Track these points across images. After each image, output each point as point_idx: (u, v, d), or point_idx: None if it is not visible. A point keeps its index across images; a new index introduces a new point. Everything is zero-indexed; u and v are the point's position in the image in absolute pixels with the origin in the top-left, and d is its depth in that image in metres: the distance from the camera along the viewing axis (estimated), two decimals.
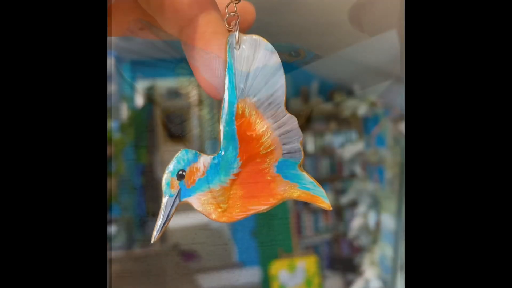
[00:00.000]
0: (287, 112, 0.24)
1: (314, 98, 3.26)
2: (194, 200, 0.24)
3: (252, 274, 3.65)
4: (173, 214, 0.24)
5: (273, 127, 0.24)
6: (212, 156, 0.24)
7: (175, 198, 0.24)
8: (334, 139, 3.36)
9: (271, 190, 0.24)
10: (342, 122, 3.32)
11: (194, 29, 0.23)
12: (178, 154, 0.24)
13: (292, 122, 0.24)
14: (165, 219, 0.24)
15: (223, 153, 0.24)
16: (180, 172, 0.24)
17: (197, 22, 0.23)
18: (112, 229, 3.02)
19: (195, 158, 0.24)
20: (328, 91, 3.33)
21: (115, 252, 2.81)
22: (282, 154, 0.24)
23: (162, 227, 0.24)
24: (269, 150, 0.24)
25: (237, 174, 0.24)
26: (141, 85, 4.63)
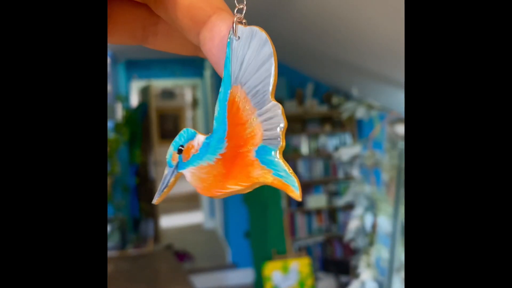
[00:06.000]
0: (273, 100, 0.24)
1: (309, 100, 3.27)
2: (187, 172, 0.26)
3: (245, 275, 3.65)
4: (173, 182, 0.27)
5: (258, 113, 0.24)
6: (205, 136, 0.26)
7: (174, 169, 0.26)
8: (328, 141, 3.37)
9: (248, 173, 0.24)
10: (337, 125, 3.33)
11: (209, 29, 0.24)
12: (181, 131, 0.26)
13: (275, 109, 0.24)
14: (164, 185, 0.26)
15: (214, 134, 0.26)
16: (180, 147, 0.26)
17: (212, 23, 0.24)
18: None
19: (192, 136, 0.26)
20: (323, 94, 3.34)
21: (108, 252, 2.80)
22: (263, 139, 0.24)
23: (161, 192, 0.26)
24: (251, 135, 0.25)
25: (222, 154, 0.25)
26: (136, 86, 4.59)
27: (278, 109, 0.24)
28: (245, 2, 0.25)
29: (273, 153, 0.24)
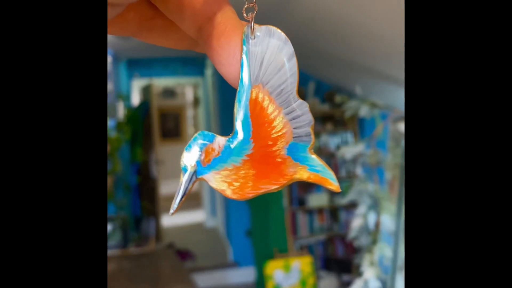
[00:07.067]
0: (299, 98, 0.24)
1: (311, 98, 3.27)
2: (210, 177, 0.25)
3: (247, 274, 3.66)
4: (190, 189, 0.25)
5: (285, 111, 0.24)
6: (227, 138, 0.25)
7: (192, 175, 0.25)
8: (330, 140, 3.37)
9: (281, 171, 0.25)
10: (338, 123, 3.33)
11: (214, 26, 0.24)
12: (195, 135, 0.25)
13: (303, 107, 0.24)
14: (182, 194, 0.25)
15: (237, 135, 0.25)
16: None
17: (216, 20, 0.24)
18: (108, 227, 3.01)
19: (211, 139, 0.25)
20: (325, 92, 3.34)
21: (110, 251, 2.81)
22: (293, 137, 0.25)
23: (180, 201, 0.25)
24: (280, 133, 0.24)
25: (249, 155, 0.25)
26: (138, 84, 4.59)
27: (306, 106, 0.24)
28: (254, 1, 0.25)
29: (307, 149, 0.25)
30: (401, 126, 1.95)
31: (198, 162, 0.25)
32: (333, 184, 0.24)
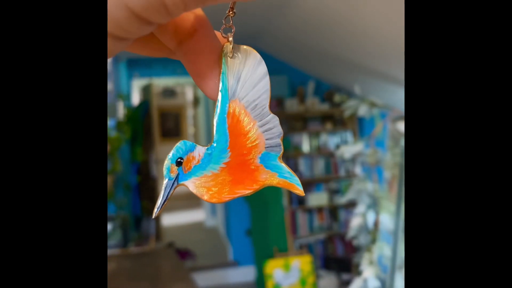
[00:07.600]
0: (270, 112, 0.27)
1: (310, 98, 3.27)
2: (190, 183, 0.27)
3: (246, 273, 3.66)
4: (171, 194, 0.28)
5: (258, 124, 0.27)
6: (206, 147, 0.27)
7: (174, 181, 0.27)
8: (329, 139, 3.36)
9: (255, 178, 0.27)
10: (338, 123, 3.32)
11: (194, 42, 0.26)
12: (178, 144, 0.27)
13: (274, 121, 0.27)
14: (164, 198, 0.27)
15: (215, 145, 0.27)
16: (179, 160, 0.27)
17: (197, 36, 0.25)
18: (108, 227, 3.01)
19: (192, 148, 0.27)
20: (324, 92, 3.33)
21: (110, 250, 2.80)
22: (265, 147, 0.27)
23: (162, 205, 0.27)
24: (254, 144, 0.27)
25: (226, 163, 0.27)
26: (137, 84, 4.58)
27: (276, 120, 0.27)
28: (231, 22, 0.26)
29: (277, 158, 0.27)
30: (400, 126, 1.94)
31: (180, 169, 0.27)
32: (298, 189, 0.27)
